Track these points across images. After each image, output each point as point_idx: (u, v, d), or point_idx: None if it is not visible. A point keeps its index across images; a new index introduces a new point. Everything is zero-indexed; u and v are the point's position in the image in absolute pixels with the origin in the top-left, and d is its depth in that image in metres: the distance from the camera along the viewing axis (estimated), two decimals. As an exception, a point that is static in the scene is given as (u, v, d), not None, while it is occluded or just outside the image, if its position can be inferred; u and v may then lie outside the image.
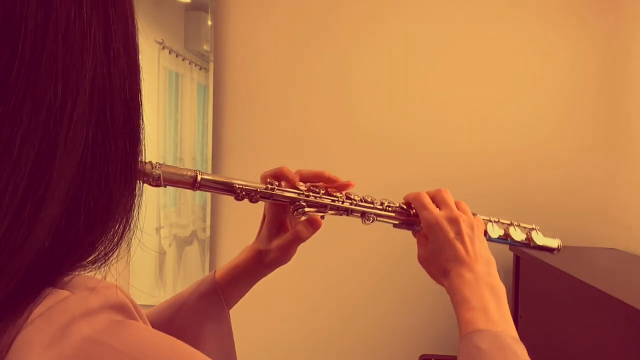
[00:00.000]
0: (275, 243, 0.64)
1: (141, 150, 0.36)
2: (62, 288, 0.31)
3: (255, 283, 0.68)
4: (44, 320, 0.29)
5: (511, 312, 1.65)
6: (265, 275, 0.67)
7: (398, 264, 1.63)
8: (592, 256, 1.40)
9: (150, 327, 0.33)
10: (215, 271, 0.67)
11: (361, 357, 1.67)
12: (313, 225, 0.63)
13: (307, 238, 0.64)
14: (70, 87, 0.29)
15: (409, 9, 1.65)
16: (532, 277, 1.36)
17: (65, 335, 0.28)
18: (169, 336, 0.32)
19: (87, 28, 0.30)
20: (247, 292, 0.68)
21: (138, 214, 0.36)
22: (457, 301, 0.58)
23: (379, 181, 1.65)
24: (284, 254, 0.64)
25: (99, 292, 0.31)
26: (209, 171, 1.65)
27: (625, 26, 1.57)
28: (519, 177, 1.63)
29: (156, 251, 1.66)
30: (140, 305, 0.35)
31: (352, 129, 1.66)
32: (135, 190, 0.36)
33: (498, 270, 0.62)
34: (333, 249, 1.62)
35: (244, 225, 1.65)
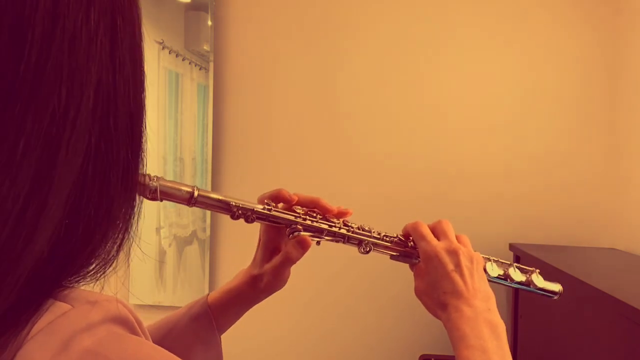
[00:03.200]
0: (267, 266, 0.64)
1: (142, 160, 0.36)
2: (62, 301, 0.31)
3: (248, 309, 0.67)
4: (45, 335, 0.29)
5: (511, 313, 1.65)
6: (259, 301, 0.66)
7: (398, 263, 1.63)
8: (592, 256, 1.40)
9: (150, 342, 0.33)
10: (209, 294, 0.67)
11: (361, 356, 1.67)
12: (302, 246, 0.62)
13: (298, 259, 0.63)
14: (74, 93, 0.29)
15: (409, 10, 1.65)
16: (532, 277, 1.36)
17: (67, 350, 0.28)
18: (169, 353, 0.32)
19: (94, 35, 0.30)
20: (239, 317, 0.67)
21: (137, 223, 0.36)
22: (455, 337, 0.56)
23: (377, 182, 1.65)
24: (276, 277, 0.64)
25: (100, 306, 0.31)
26: (209, 171, 1.65)
27: (631, 33, 1.57)
28: (520, 178, 1.63)
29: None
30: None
31: (351, 129, 1.66)
32: (135, 199, 0.36)
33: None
34: (333, 249, 1.61)
35: (243, 225, 1.64)
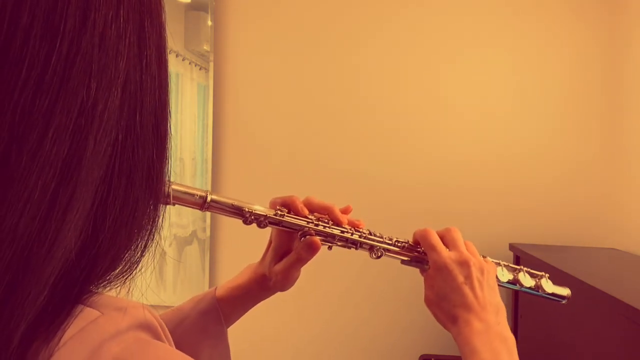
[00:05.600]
0: (277, 267, 0.64)
1: (167, 162, 0.36)
2: (91, 307, 0.31)
3: (254, 305, 0.68)
4: (76, 342, 0.29)
5: (511, 313, 1.65)
6: (265, 298, 0.67)
7: (398, 263, 1.63)
8: (592, 256, 1.40)
9: (174, 347, 0.34)
10: (216, 288, 0.67)
11: (361, 356, 1.67)
12: (313, 247, 0.62)
13: (308, 260, 0.64)
14: (103, 87, 0.30)
15: (409, 13, 1.65)
16: (532, 277, 1.36)
17: (96, 358, 0.29)
18: (191, 358, 0.33)
19: (123, 32, 0.31)
20: (245, 312, 0.68)
21: (162, 224, 0.37)
22: (467, 352, 0.56)
23: (377, 183, 1.65)
24: (286, 277, 0.65)
25: (128, 313, 0.32)
26: (209, 171, 1.65)
27: (627, 30, 1.57)
28: (520, 177, 1.63)
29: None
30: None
31: (352, 128, 1.66)
32: (160, 201, 0.36)
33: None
34: (334, 251, 1.61)
35: (243, 225, 1.64)
